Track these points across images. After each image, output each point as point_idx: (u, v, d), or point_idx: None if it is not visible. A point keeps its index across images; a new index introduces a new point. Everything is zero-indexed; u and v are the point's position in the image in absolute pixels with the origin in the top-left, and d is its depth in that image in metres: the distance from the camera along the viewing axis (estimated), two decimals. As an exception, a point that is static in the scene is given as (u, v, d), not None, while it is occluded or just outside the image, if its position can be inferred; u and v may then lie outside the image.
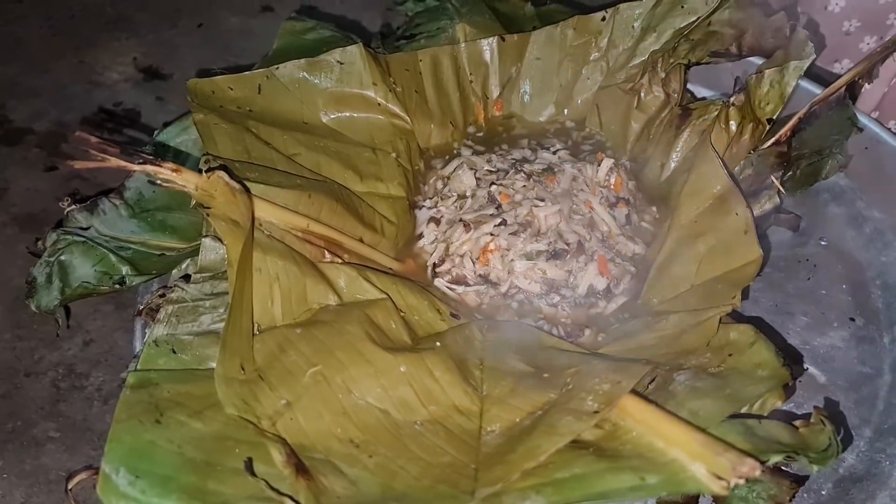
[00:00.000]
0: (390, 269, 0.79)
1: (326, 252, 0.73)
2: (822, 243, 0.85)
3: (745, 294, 0.68)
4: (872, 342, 0.76)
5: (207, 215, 0.64)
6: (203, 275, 0.68)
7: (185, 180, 0.64)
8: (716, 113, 0.83)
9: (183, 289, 0.67)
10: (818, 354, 0.75)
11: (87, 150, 0.61)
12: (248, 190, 0.67)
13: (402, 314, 0.70)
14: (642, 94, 0.91)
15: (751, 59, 0.86)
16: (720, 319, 0.64)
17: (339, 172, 0.83)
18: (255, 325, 0.65)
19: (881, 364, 0.74)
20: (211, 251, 0.69)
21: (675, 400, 0.59)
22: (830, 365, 0.74)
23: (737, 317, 0.67)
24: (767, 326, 0.75)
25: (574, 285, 0.78)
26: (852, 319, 0.78)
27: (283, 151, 0.80)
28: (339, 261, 0.73)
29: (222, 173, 0.65)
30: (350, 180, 0.83)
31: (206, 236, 0.68)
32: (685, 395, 0.59)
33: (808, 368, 0.73)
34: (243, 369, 0.60)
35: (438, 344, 0.66)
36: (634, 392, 0.59)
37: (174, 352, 0.63)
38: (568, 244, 0.79)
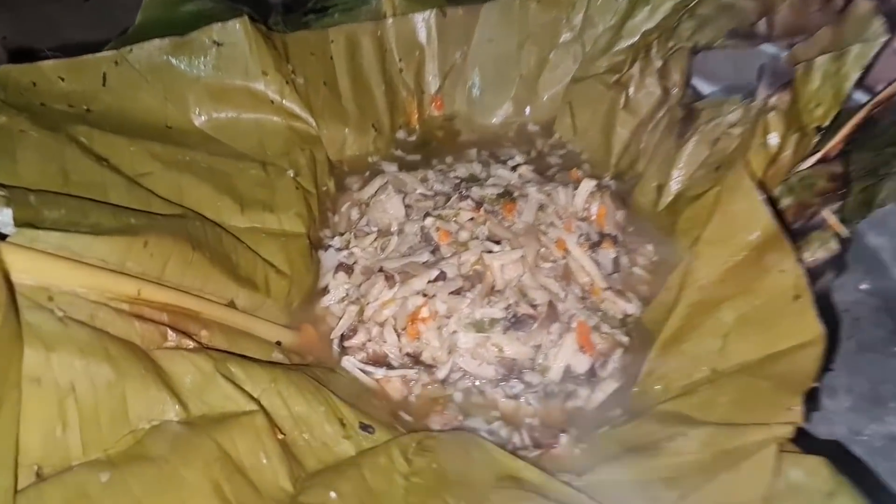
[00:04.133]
0: (277, 343, 0.61)
1: (170, 331, 0.54)
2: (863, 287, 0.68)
3: (814, 403, 0.46)
4: None
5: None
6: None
7: None
8: (736, 116, 0.68)
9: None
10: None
11: None
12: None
13: (281, 436, 0.50)
14: (631, 90, 0.78)
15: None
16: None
17: (210, 199, 0.67)
18: (36, 468, 0.45)
19: None
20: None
21: None
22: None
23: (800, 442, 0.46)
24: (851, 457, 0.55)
25: (544, 367, 0.63)
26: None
27: (125, 171, 0.64)
28: (191, 344, 0.54)
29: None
30: (225, 211, 0.68)
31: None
32: None
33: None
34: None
35: (334, 495, 0.46)
36: None
37: None
38: (534, 307, 0.64)
